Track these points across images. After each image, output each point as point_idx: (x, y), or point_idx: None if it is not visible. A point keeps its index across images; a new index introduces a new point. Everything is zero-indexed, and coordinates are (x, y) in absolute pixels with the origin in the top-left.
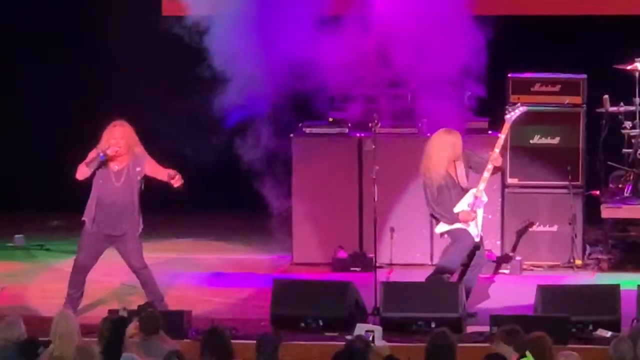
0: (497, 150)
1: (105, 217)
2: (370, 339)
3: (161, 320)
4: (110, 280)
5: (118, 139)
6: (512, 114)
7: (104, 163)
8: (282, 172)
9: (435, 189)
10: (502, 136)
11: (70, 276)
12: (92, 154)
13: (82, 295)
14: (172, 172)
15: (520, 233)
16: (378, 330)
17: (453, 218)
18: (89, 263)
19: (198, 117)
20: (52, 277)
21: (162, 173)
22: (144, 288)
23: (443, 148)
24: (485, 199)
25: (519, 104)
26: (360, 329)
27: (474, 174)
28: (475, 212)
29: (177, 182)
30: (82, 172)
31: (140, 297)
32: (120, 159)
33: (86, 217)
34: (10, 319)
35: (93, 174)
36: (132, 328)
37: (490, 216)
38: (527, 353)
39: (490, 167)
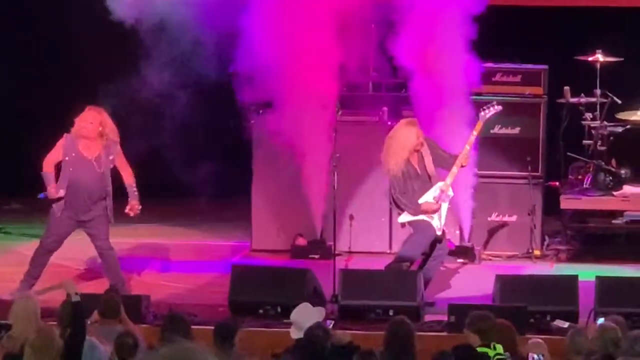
0: (468, 147)
1: (77, 203)
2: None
3: (121, 305)
4: (68, 265)
5: (87, 123)
6: (486, 112)
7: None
8: (242, 156)
9: (400, 179)
10: (474, 133)
11: (33, 257)
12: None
13: (39, 277)
14: (135, 205)
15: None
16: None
17: (417, 209)
18: (55, 247)
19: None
20: (11, 260)
21: (127, 177)
22: (107, 271)
23: (404, 138)
24: (451, 193)
25: (494, 102)
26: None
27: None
28: (440, 205)
29: (132, 212)
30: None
31: (99, 282)
32: (92, 145)
33: (56, 200)
34: None
35: (61, 160)
36: (95, 314)
37: (448, 205)
38: (497, 345)
39: (459, 162)
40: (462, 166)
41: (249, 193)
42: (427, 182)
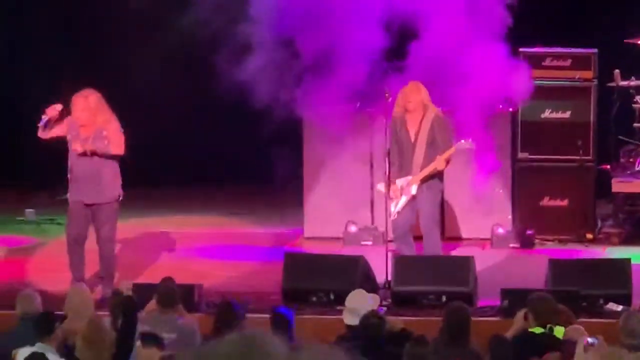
0: (442, 158)
1: (78, 187)
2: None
3: (178, 294)
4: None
5: (79, 111)
6: (462, 145)
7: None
8: (293, 145)
9: (391, 141)
10: (450, 150)
11: (68, 251)
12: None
13: (83, 268)
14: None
15: None
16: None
17: (391, 182)
18: (78, 232)
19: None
20: (64, 250)
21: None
22: (101, 261)
23: (399, 96)
24: (413, 192)
25: (471, 142)
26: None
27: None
28: (400, 197)
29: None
30: (40, 133)
31: (153, 270)
32: (85, 129)
33: (68, 189)
34: (27, 293)
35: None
36: (152, 304)
37: (500, 190)
38: (554, 328)
39: (429, 168)
40: (432, 172)
41: (301, 180)
42: (414, 150)
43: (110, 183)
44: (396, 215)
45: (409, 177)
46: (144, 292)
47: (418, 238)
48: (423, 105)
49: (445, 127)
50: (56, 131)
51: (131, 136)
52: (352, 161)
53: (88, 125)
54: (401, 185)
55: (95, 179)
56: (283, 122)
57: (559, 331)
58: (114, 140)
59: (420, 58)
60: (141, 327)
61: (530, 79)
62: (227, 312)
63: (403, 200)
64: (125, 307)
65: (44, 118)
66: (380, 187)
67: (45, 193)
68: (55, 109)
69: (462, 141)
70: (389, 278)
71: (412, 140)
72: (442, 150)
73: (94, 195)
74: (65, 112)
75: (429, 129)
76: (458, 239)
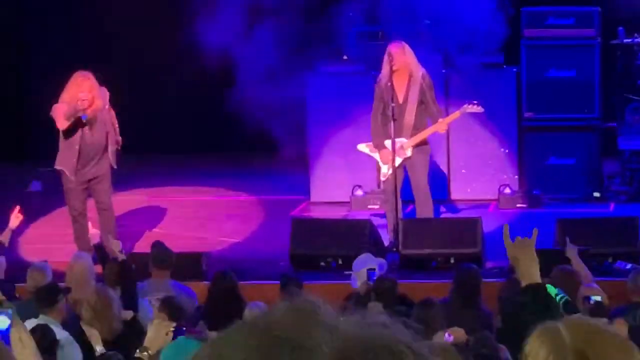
0: (444, 121)
1: (86, 165)
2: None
3: (173, 255)
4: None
5: (87, 92)
6: (468, 108)
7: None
8: (297, 111)
9: (375, 101)
10: (456, 114)
11: (73, 228)
12: (66, 108)
13: (89, 238)
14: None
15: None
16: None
17: (377, 145)
18: (82, 208)
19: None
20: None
21: (110, 131)
22: (102, 228)
23: (385, 57)
24: (408, 154)
25: (479, 105)
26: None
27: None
28: (391, 159)
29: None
30: (63, 123)
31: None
32: (92, 111)
33: (65, 168)
34: (37, 266)
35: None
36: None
37: (506, 150)
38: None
39: (430, 130)
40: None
41: (306, 145)
42: (402, 111)
43: (107, 156)
44: (387, 177)
45: (403, 139)
46: (140, 261)
47: (407, 202)
48: (409, 65)
49: (432, 86)
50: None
51: (130, 103)
52: (358, 124)
53: (91, 105)
54: (395, 147)
55: (99, 155)
56: (287, 86)
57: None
58: (114, 122)
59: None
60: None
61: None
62: (221, 282)
63: (397, 162)
64: (123, 271)
65: (84, 117)
66: (362, 147)
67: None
68: (87, 108)
69: (469, 105)
70: (397, 241)
71: (401, 101)
72: (432, 110)
73: (99, 170)
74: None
75: (418, 89)
76: (465, 200)
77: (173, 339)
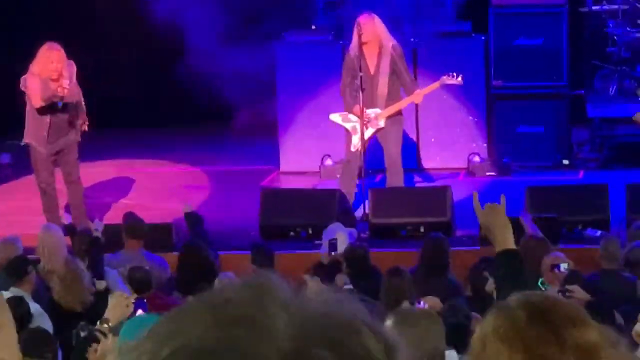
0: (421, 93)
1: (55, 137)
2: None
3: (146, 226)
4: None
5: (56, 63)
6: (448, 79)
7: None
8: (265, 80)
9: (344, 72)
10: (434, 85)
11: (42, 200)
12: (42, 88)
13: (58, 210)
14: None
15: None
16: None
17: (349, 112)
18: (51, 180)
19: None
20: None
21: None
22: (71, 201)
23: (355, 28)
24: (381, 124)
25: (460, 77)
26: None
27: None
28: (366, 128)
29: (83, 127)
30: (39, 103)
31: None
32: (58, 81)
33: (35, 141)
34: (8, 239)
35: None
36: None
37: (475, 119)
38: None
39: (406, 101)
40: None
41: (276, 115)
42: (373, 84)
43: (74, 128)
44: (359, 148)
45: (377, 110)
46: (112, 232)
47: (376, 171)
48: (379, 36)
49: (403, 57)
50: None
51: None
52: (327, 94)
53: (59, 77)
54: (368, 118)
55: (66, 129)
56: (256, 56)
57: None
58: (80, 95)
59: None
60: (107, 262)
61: None
62: (191, 251)
63: (369, 133)
64: (93, 247)
65: (59, 103)
66: (334, 117)
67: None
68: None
69: (448, 76)
70: (367, 211)
71: (372, 72)
72: (406, 80)
73: (67, 142)
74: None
75: (389, 60)
76: (434, 169)
77: (134, 310)
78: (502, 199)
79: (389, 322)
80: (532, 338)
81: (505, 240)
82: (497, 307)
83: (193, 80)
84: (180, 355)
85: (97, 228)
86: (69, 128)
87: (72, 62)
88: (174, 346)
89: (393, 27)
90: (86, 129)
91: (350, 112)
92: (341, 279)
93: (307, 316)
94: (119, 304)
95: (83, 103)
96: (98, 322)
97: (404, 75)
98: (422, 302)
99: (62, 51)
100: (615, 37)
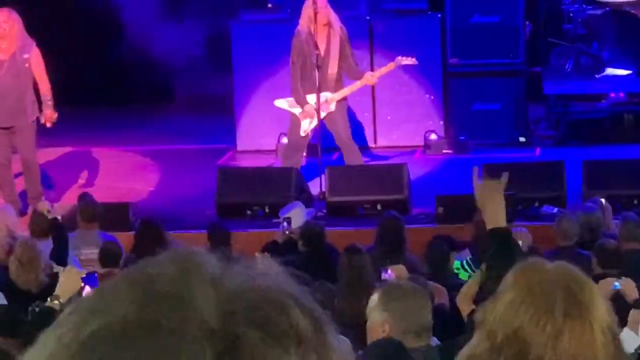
0: (376, 74)
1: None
2: (286, 225)
3: (100, 207)
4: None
5: (1, 22)
6: (402, 60)
7: None
8: (220, 59)
9: (294, 55)
10: (383, 70)
11: None
12: None
13: (15, 189)
14: (50, 114)
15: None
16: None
17: (299, 100)
18: (5, 156)
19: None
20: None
21: (41, 83)
22: (28, 182)
23: (304, 9)
24: (332, 108)
25: (414, 58)
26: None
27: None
28: (315, 113)
29: (48, 122)
30: None
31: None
32: (4, 48)
33: None
34: None
35: None
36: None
37: (432, 97)
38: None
39: (360, 83)
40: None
41: (232, 93)
42: (323, 66)
43: (31, 104)
44: (309, 132)
45: (327, 94)
46: (68, 212)
47: (328, 149)
48: (328, 17)
49: (348, 39)
50: None
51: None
52: (283, 72)
53: (10, 40)
54: (321, 101)
55: (19, 100)
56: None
57: None
58: (41, 63)
59: None
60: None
61: None
62: (146, 229)
63: (321, 115)
64: (55, 228)
65: None
66: (280, 103)
67: None
68: None
69: (403, 57)
70: (323, 189)
71: (323, 54)
72: (351, 62)
73: (14, 117)
74: None
75: (338, 41)
76: (391, 147)
77: (83, 286)
78: (505, 176)
79: (376, 296)
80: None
81: (499, 218)
82: (528, 268)
83: (138, 59)
84: (103, 334)
85: (49, 209)
86: (19, 105)
87: (31, 40)
88: (97, 324)
89: (348, 5)
90: (49, 124)
91: (298, 99)
92: (262, 257)
93: (234, 293)
94: (69, 279)
95: (46, 81)
96: (49, 299)
97: (350, 59)
98: (388, 271)
99: (12, 14)
100: (571, 14)
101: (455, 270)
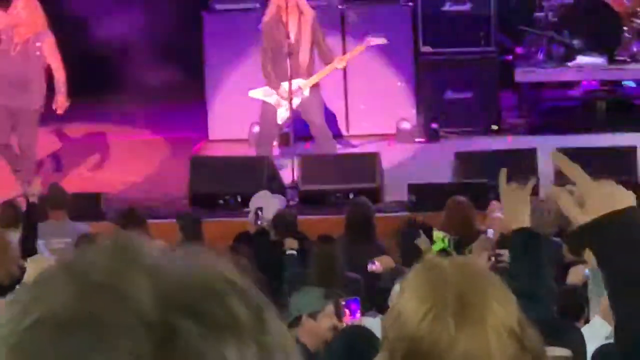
0: (346, 57)
1: (4, 89)
2: (259, 214)
3: (69, 196)
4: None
5: (20, 9)
6: (372, 40)
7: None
8: (193, 48)
9: (265, 42)
10: (359, 47)
11: None
12: None
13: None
14: (62, 101)
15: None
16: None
17: (273, 85)
18: (4, 139)
19: None
20: None
21: (55, 69)
22: (20, 166)
23: None
24: (306, 94)
25: (384, 37)
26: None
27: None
28: (291, 99)
29: (60, 109)
30: None
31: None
32: (21, 30)
33: None
34: None
35: None
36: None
37: (404, 85)
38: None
39: (330, 68)
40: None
41: (203, 82)
42: (294, 53)
43: (38, 91)
44: (285, 119)
45: (300, 80)
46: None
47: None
48: (298, 2)
49: (319, 25)
50: None
51: None
52: (256, 60)
53: (26, 27)
54: (293, 88)
55: (23, 82)
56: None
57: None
58: (56, 53)
59: None
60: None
61: None
62: (129, 219)
63: (295, 103)
64: (28, 214)
65: None
66: (255, 93)
67: None
68: None
69: (371, 37)
70: (295, 177)
71: (294, 41)
72: (324, 48)
73: (17, 98)
74: None
75: (310, 28)
76: (363, 135)
77: None
78: (532, 181)
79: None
80: None
81: (521, 220)
82: (428, 268)
83: (107, 49)
84: (41, 327)
85: (33, 192)
86: (23, 89)
87: (49, 32)
88: (36, 316)
89: None
90: (60, 111)
91: (274, 87)
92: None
93: (171, 282)
94: (37, 268)
95: (60, 68)
96: (16, 287)
97: (322, 44)
98: (375, 263)
99: (34, 1)
100: (542, 2)
101: (434, 239)
